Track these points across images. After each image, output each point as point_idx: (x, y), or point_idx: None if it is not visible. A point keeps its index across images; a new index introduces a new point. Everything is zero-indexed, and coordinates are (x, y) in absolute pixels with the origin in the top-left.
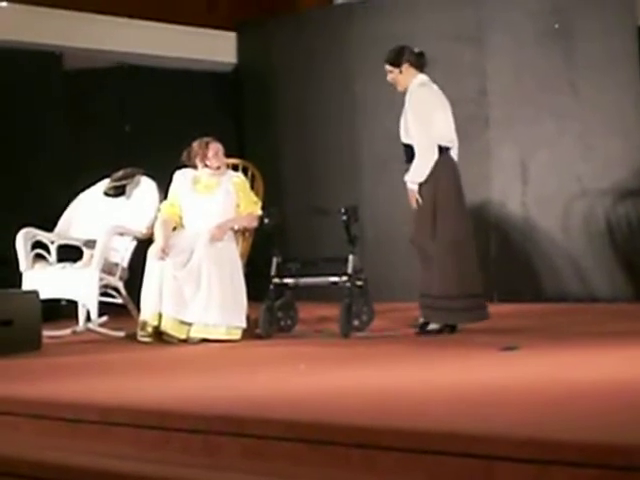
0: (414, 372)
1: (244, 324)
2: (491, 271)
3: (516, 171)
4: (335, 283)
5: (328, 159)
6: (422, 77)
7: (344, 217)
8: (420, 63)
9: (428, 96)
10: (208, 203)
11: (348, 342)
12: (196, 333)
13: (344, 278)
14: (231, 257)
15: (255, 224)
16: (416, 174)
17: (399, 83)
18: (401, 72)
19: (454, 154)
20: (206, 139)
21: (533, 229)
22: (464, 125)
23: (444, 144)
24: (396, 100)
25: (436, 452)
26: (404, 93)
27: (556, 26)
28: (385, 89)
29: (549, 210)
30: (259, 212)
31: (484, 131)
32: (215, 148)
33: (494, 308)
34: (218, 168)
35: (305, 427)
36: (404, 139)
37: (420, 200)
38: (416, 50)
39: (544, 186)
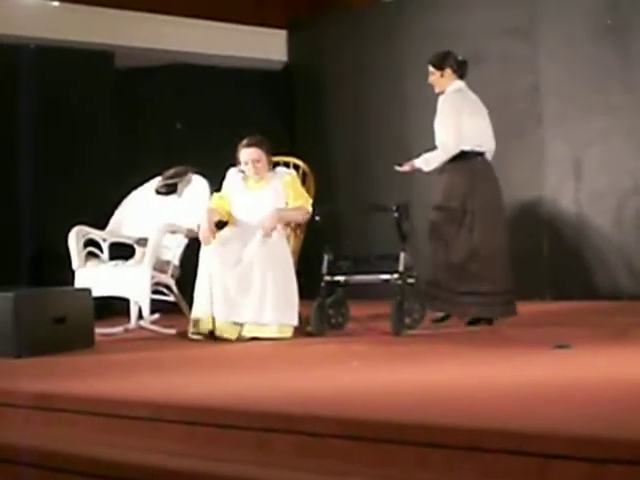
0: (466, 370)
1: (296, 322)
2: (543, 268)
3: (569, 168)
4: (387, 281)
5: (379, 156)
6: (459, 83)
7: (395, 214)
8: (462, 71)
9: (459, 102)
10: (258, 201)
11: (400, 340)
12: (248, 332)
13: (395, 276)
14: (283, 254)
15: (305, 218)
16: (425, 162)
17: (438, 85)
18: (442, 76)
19: (489, 156)
20: (244, 140)
21: (586, 226)
22: (516, 122)
23: (469, 148)
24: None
25: (489, 450)
26: (439, 94)
27: (609, 22)
28: None
29: (602, 206)
30: (309, 207)
31: (537, 128)
32: (246, 156)
33: (546, 305)
34: (259, 176)
35: (357, 424)
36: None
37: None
38: (460, 58)
39: (597, 182)
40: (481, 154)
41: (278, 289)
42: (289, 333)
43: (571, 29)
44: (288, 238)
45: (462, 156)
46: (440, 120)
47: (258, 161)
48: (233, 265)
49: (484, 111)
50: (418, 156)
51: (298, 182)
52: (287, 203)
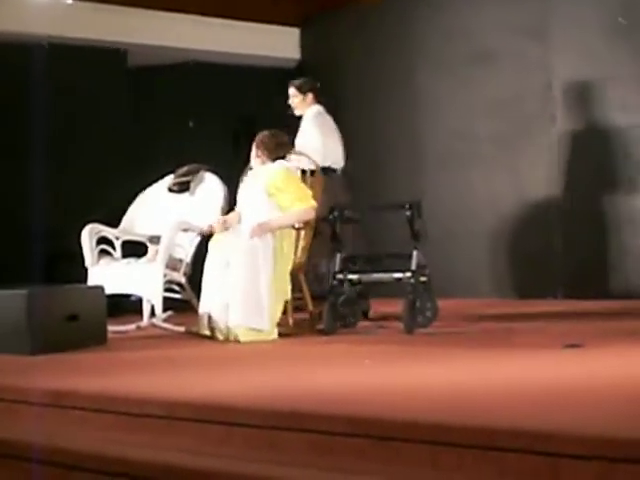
0: (479, 369)
1: (265, 326)
2: (556, 267)
3: (582, 166)
4: (399, 279)
5: (391, 153)
6: (318, 107)
7: (408, 212)
8: (319, 96)
9: (324, 123)
10: (250, 192)
11: (412, 338)
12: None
13: (408, 274)
14: (256, 257)
15: (308, 217)
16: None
17: (299, 107)
18: (304, 100)
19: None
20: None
21: (599, 225)
22: (529, 120)
23: (329, 164)
24: (457, 95)
25: (501, 449)
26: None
27: (620, 20)
28: (447, 84)
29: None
30: (310, 204)
31: (550, 126)
32: (255, 142)
33: (559, 304)
34: (261, 161)
35: (370, 423)
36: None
37: None
38: (318, 85)
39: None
40: (335, 170)
41: (247, 292)
42: (261, 336)
43: (583, 27)
44: (297, 237)
45: (322, 170)
46: (309, 137)
47: (253, 148)
48: (224, 268)
49: (338, 132)
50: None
51: (290, 179)
52: (281, 207)
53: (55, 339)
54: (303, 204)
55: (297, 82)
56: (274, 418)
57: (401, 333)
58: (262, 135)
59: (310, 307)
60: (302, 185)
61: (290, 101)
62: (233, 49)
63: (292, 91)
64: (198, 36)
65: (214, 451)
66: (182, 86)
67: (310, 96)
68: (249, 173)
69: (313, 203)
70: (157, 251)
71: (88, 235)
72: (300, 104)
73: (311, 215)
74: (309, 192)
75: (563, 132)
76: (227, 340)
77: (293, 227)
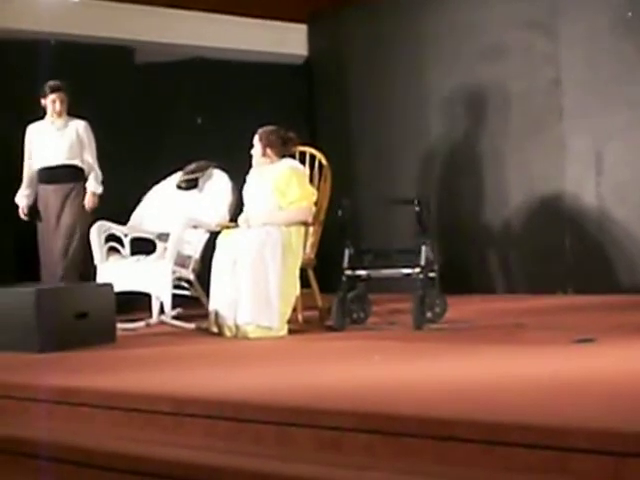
0: (488, 364)
1: (275, 324)
2: (566, 262)
3: (590, 162)
4: (408, 275)
5: (400, 149)
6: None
7: (417, 208)
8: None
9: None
10: (259, 191)
11: (421, 334)
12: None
13: (417, 270)
14: (267, 254)
15: (306, 216)
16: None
17: (61, 110)
18: (63, 103)
19: None
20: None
21: (608, 220)
22: (537, 115)
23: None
24: (465, 90)
25: (510, 444)
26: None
27: (629, 14)
28: (457, 79)
29: (624, 201)
30: (309, 204)
31: (558, 122)
32: (259, 140)
33: (568, 299)
34: (270, 161)
35: (379, 419)
36: (67, 161)
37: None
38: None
39: (619, 176)
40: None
41: (255, 290)
42: (271, 333)
43: (592, 22)
44: (305, 234)
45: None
46: (91, 147)
47: (257, 146)
48: (232, 265)
49: None
50: None
51: (293, 180)
52: (281, 207)
53: (64, 337)
54: (301, 204)
55: (62, 86)
56: (283, 414)
57: (410, 329)
58: (266, 133)
59: (319, 303)
60: (305, 185)
61: (57, 106)
62: (240, 46)
63: (60, 95)
64: (205, 33)
65: (223, 447)
66: (190, 83)
67: (65, 101)
68: (255, 171)
69: (310, 203)
70: (166, 248)
71: (97, 232)
72: (62, 106)
73: (305, 216)
74: (310, 191)
75: (571, 126)
76: (235, 337)
77: (303, 223)
